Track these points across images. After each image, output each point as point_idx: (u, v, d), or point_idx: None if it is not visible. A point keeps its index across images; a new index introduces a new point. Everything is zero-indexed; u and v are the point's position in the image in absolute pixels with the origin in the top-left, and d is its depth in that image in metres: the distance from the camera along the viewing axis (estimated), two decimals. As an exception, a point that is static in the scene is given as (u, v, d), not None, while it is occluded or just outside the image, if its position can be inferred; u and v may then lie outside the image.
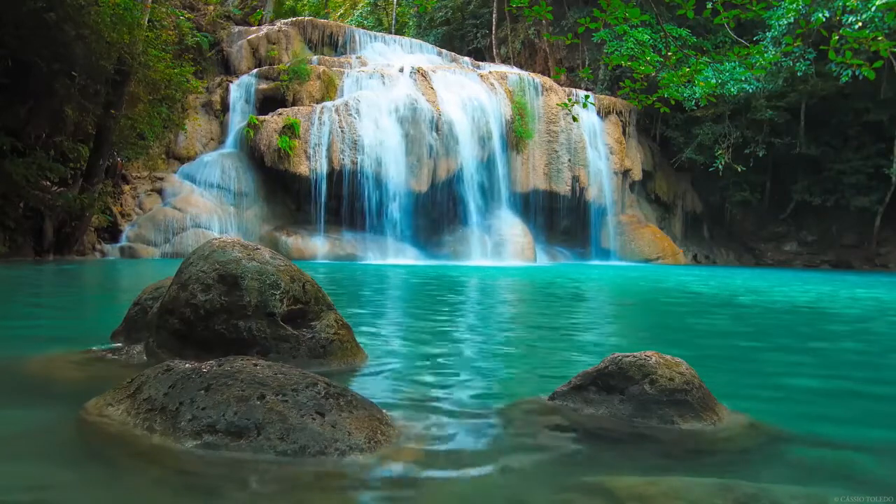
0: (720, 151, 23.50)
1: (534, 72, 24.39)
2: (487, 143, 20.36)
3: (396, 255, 18.27)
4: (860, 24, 16.63)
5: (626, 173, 24.38)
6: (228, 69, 20.72)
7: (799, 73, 20.63)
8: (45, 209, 13.15)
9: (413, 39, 26.16)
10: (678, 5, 6.15)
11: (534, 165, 21.85)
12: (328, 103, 18.78)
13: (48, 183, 13.75)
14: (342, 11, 36.75)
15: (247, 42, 21.04)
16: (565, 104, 7.91)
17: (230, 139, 18.93)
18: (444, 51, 25.15)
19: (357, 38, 23.56)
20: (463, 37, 30.44)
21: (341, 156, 18.09)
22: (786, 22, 19.45)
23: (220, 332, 2.80)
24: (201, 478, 1.61)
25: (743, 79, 20.29)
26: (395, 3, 33.21)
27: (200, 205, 16.96)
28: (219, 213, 17.14)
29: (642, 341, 4.76)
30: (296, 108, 18.74)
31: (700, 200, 26.71)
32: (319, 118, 18.24)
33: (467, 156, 19.80)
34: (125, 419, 1.92)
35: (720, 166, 23.31)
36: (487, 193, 20.57)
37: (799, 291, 10.52)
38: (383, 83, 19.88)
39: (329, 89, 19.83)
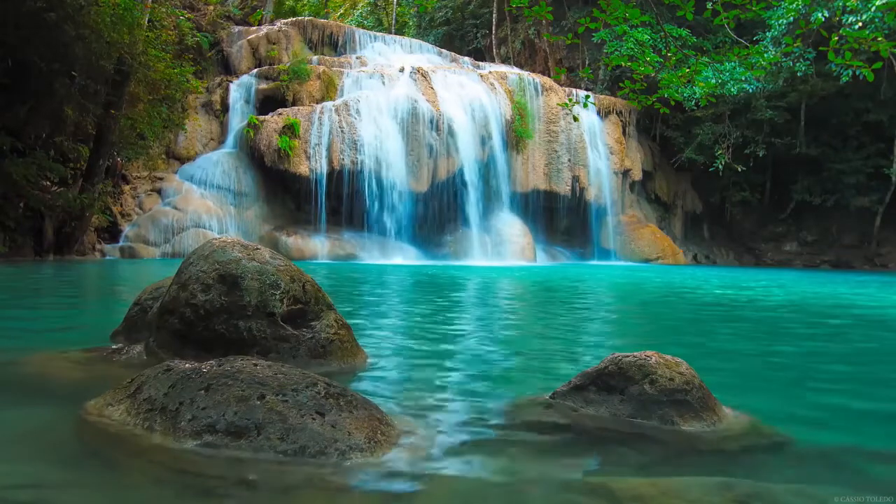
0: (720, 151, 23.50)
1: (534, 72, 24.39)
2: (487, 143, 20.36)
3: (396, 255, 18.27)
4: (860, 24, 16.63)
5: (626, 173, 24.38)
6: (228, 69, 20.73)
7: (799, 73, 20.63)
8: (45, 209, 13.16)
9: (413, 39, 26.17)
10: (678, 6, 6.15)
11: (534, 165, 21.85)
12: (328, 103, 18.78)
13: (48, 183, 13.75)
14: (342, 11, 36.74)
15: (247, 42, 21.04)
16: (565, 104, 7.91)
17: (230, 139, 18.94)
18: (444, 51, 25.16)
19: (357, 38, 23.57)
20: (463, 37, 30.44)
21: (341, 156, 18.09)
22: (786, 22, 19.45)
23: (220, 332, 2.80)
24: (201, 477, 1.61)
25: (743, 79, 20.29)
26: (395, 3, 33.21)
27: (200, 205, 16.96)
28: (219, 213, 17.14)
29: (642, 341, 4.76)
30: (296, 108, 18.74)
31: (700, 200, 26.71)
32: (319, 118, 18.24)
33: (467, 156, 19.80)
34: (125, 419, 1.92)
35: (720, 166, 23.31)
36: (487, 193, 20.57)
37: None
38: (383, 83, 19.88)
39: (329, 89, 19.83)
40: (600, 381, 2.30)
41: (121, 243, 15.72)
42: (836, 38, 5.99)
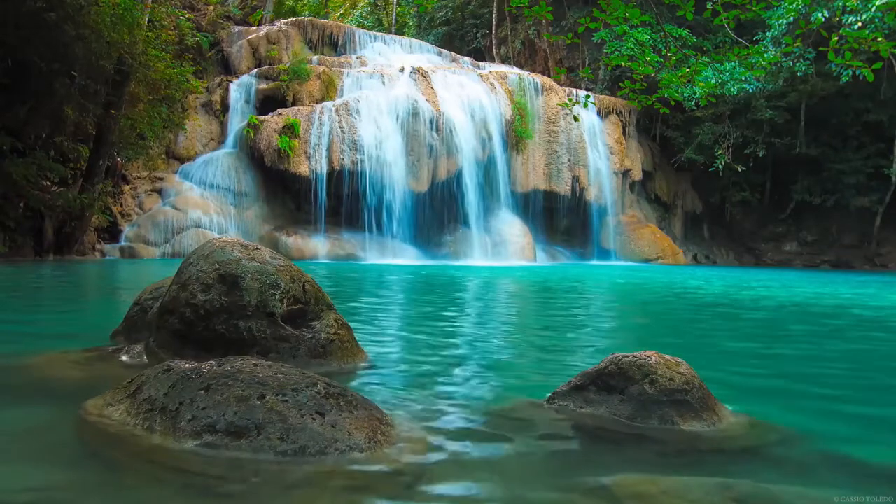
0: (720, 151, 23.50)
1: (534, 72, 24.39)
2: (487, 143, 20.36)
3: (396, 255, 18.27)
4: (860, 24, 16.63)
5: (626, 173, 24.38)
6: (228, 69, 20.73)
7: (799, 73, 20.63)
8: (45, 209, 13.16)
9: (413, 39, 26.17)
10: (678, 6, 6.15)
11: (534, 165, 21.85)
12: (328, 103, 18.78)
13: (48, 183, 13.75)
14: (342, 11, 36.74)
15: (247, 42, 21.04)
16: (565, 104, 7.92)
17: (230, 139, 18.93)
18: (444, 51, 25.15)
19: (357, 38, 23.56)
20: (463, 37, 30.44)
21: (341, 156, 18.09)
22: (786, 22, 19.45)
23: (220, 332, 2.80)
24: (201, 477, 1.61)
25: (743, 79, 20.28)
26: (395, 3, 33.21)
27: (200, 205, 16.96)
28: (219, 213, 17.14)
29: (642, 341, 4.76)
30: (296, 108, 18.74)
31: (700, 200, 26.71)
32: (319, 118, 18.24)
33: (467, 156, 19.80)
34: (125, 419, 1.92)
35: (720, 166, 23.31)
36: (487, 193, 20.57)
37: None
38: (383, 83, 19.88)
39: (329, 89, 19.83)
40: (600, 381, 2.30)
41: (121, 243, 15.71)
42: (836, 38, 5.99)
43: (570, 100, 11.82)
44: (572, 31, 14.96)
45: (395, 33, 30.15)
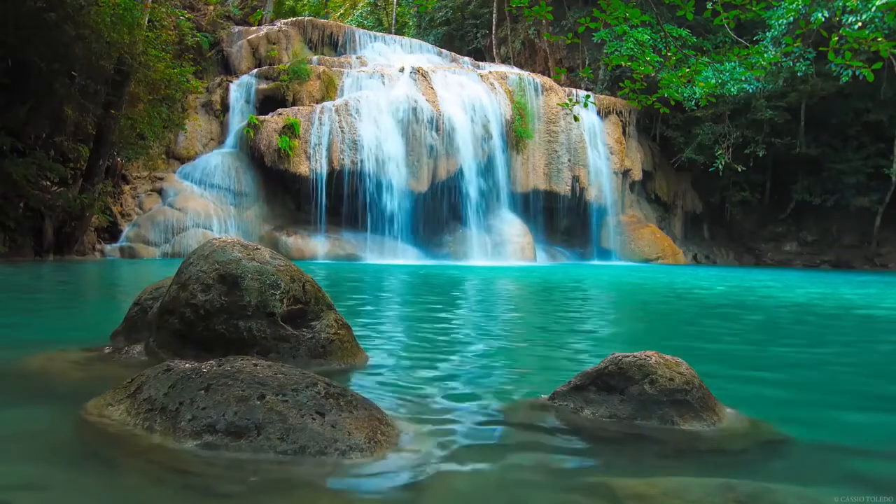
0: (720, 151, 23.50)
1: (534, 72, 24.39)
2: (487, 143, 20.35)
3: (396, 255, 18.27)
4: (860, 24, 16.63)
5: (626, 173, 24.37)
6: (228, 69, 20.73)
7: (799, 73, 20.63)
8: (45, 209, 13.16)
9: (413, 39, 26.17)
10: (678, 6, 6.15)
11: (534, 165, 21.85)
12: (328, 103, 18.78)
13: (48, 183, 13.75)
14: (342, 11, 36.74)
15: (247, 42, 21.04)
16: (565, 104, 7.92)
17: (230, 139, 18.94)
18: (444, 51, 25.15)
19: (357, 38, 23.57)
20: (463, 37, 30.44)
21: (341, 156, 18.09)
22: (786, 22, 19.45)
23: (220, 333, 2.80)
24: (201, 477, 1.60)
25: (743, 79, 20.28)
26: (395, 3, 33.20)
27: (200, 205, 16.96)
28: (219, 213, 17.14)
29: (642, 341, 4.76)
30: (296, 108, 18.74)
31: (700, 200, 26.71)
32: (319, 118, 18.24)
33: (467, 156, 19.80)
34: (125, 419, 1.92)
35: (720, 166, 23.31)
36: (487, 193, 20.56)
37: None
38: (383, 83, 19.88)
39: (329, 89, 19.83)
40: (600, 381, 2.29)
41: (121, 243, 15.71)
42: (836, 38, 5.99)
43: (570, 100, 11.82)
44: (572, 31, 14.96)
45: (395, 33, 30.16)
